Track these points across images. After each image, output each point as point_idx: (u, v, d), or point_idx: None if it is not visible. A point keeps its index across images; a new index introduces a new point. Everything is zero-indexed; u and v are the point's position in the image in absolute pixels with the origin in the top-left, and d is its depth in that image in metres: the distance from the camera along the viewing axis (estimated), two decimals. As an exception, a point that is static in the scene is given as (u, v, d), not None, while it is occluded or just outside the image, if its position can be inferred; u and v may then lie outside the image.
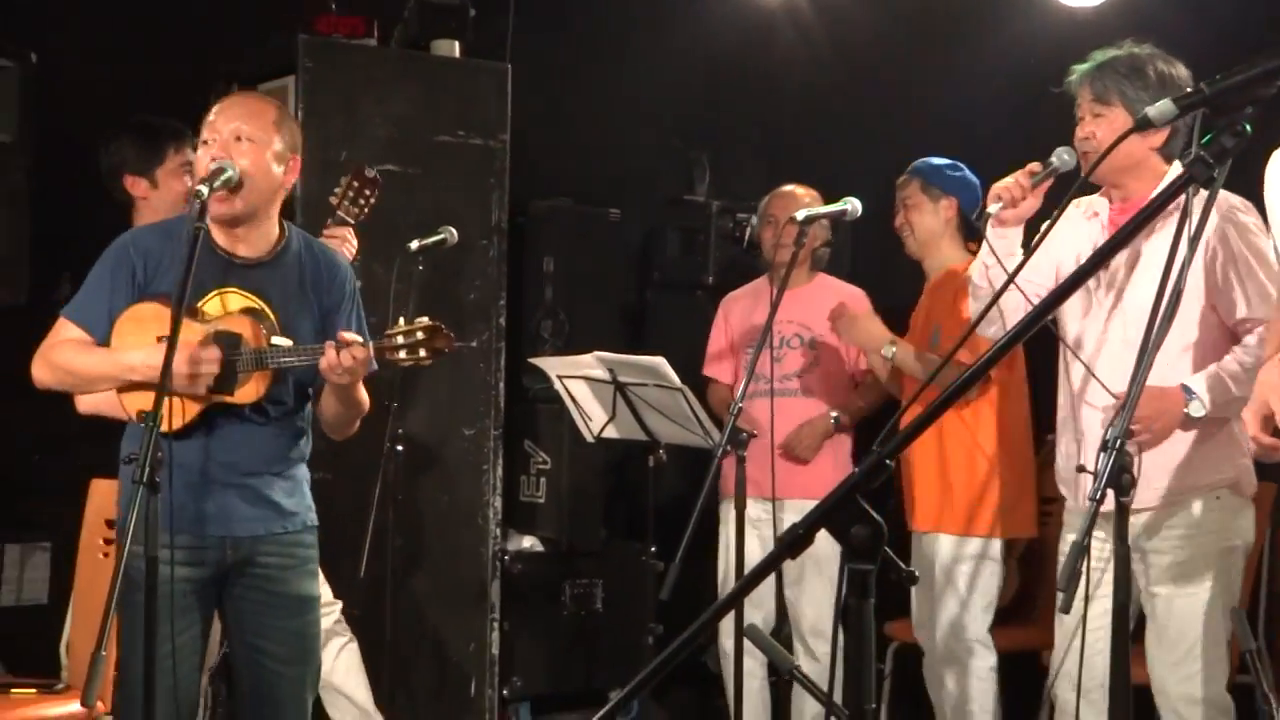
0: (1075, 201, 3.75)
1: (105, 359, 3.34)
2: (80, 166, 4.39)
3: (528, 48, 5.62)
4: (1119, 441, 2.84)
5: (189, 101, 4.08)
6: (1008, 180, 3.65)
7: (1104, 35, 5.10)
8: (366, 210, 4.11)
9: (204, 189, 3.20)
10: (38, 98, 4.75)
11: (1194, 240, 2.89)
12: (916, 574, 2.20)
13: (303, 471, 3.52)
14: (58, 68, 4.99)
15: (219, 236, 3.38)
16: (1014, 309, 3.69)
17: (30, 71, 4.85)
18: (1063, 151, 3.62)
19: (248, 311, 3.37)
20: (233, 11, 5.38)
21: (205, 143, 3.38)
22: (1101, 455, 2.84)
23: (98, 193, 4.30)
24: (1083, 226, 3.74)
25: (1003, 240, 3.72)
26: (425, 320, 3.34)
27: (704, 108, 6.41)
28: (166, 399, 3.03)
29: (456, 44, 5.34)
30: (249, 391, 3.36)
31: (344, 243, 4.20)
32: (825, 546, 1.94)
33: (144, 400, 3.20)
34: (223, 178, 3.27)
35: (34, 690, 3.99)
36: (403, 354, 3.32)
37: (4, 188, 4.80)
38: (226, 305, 3.36)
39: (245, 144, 3.36)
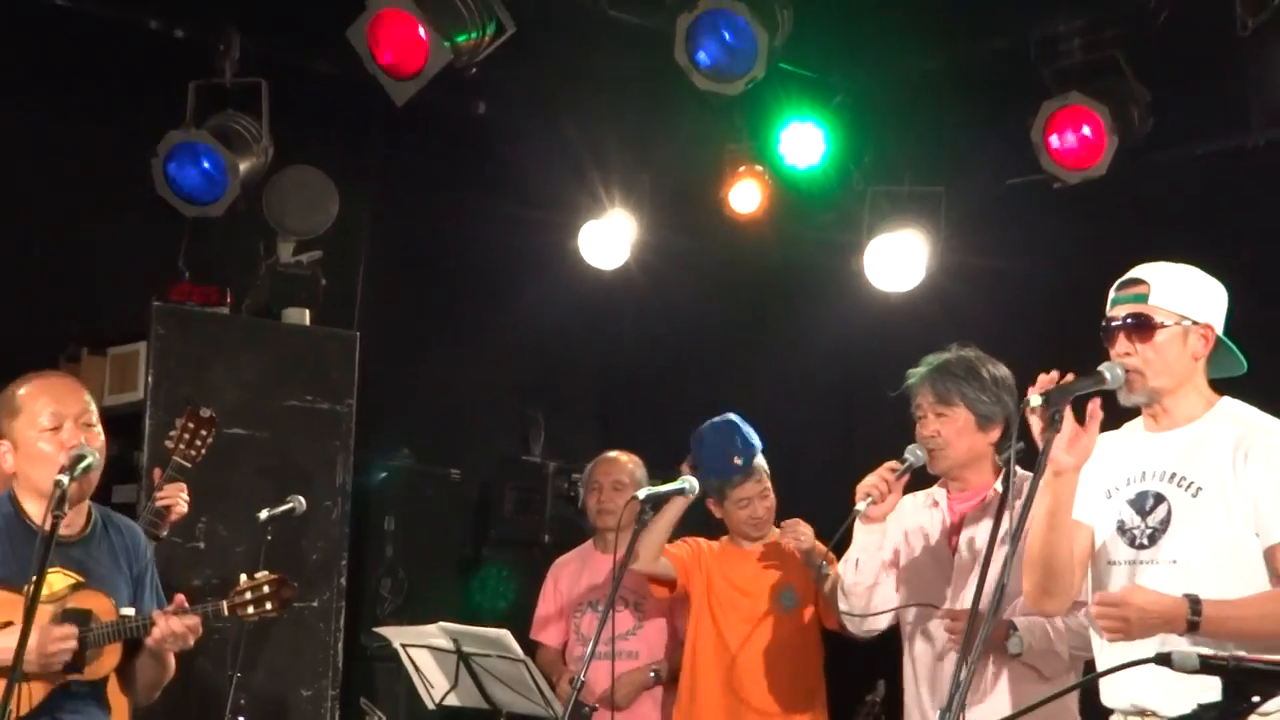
0: (912, 495, 4.05)
1: None
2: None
3: (374, 315, 5.83)
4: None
5: (39, 363, 4.06)
6: (871, 479, 3.88)
7: (915, 317, 5.54)
8: (204, 450, 4.10)
9: (65, 479, 3.20)
10: None
11: (1015, 534, 3.19)
12: None
13: None
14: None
15: (38, 516, 3.31)
16: (879, 602, 3.97)
17: None
18: (915, 448, 3.92)
19: (79, 587, 3.36)
20: (87, 275, 5.47)
21: (55, 429, 3.35)
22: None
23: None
24: (924, 514, 4.03)
25: (872, 535, 3.95)
26: (267, 574, 3.48)
27: (541, 373, 6.67)
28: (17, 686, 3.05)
29: (307, 312, 5.51)
30: (102, 666, 3.37)
31: (176, 500, 4.16)
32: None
33: None
34: (83, 465, 3.28)
35: None
36: (251, 609, 3.43)
37: None
38: (51, 584, 3.30)
39: (94, 429, 3.41)
